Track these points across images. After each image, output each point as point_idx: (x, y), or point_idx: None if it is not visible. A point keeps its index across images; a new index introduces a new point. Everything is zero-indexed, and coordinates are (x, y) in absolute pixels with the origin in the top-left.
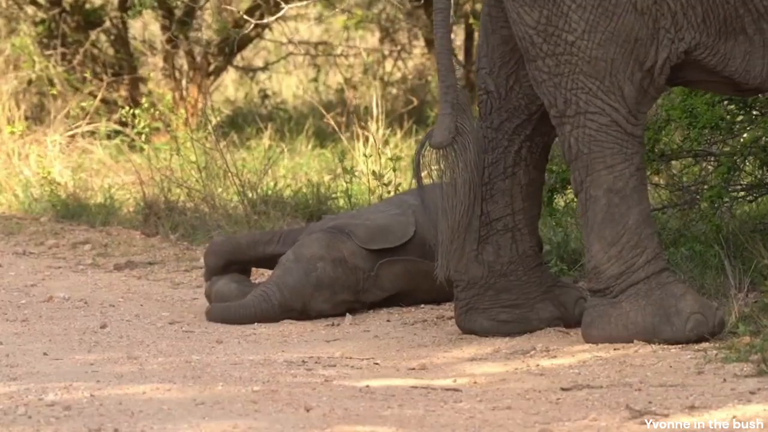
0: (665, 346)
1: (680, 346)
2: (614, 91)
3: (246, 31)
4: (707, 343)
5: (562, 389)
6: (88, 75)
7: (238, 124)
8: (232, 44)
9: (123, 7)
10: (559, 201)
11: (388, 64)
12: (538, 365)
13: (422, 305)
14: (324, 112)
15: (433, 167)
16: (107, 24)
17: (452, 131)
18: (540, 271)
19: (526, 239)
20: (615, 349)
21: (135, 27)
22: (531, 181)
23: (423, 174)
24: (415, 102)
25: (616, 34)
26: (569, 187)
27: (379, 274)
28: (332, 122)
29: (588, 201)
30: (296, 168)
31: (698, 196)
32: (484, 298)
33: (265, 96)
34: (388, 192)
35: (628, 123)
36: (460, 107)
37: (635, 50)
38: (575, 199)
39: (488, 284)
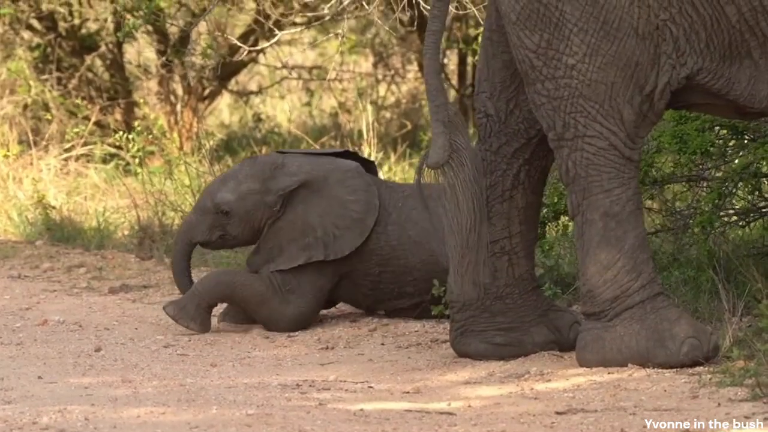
0: (660, 370)
1: (675, 370)
2: (613, 115)
3: (240, 57)
4: (702, 368)
5: (557, 413)
6: (79, 102)
7: (233, 147)
8: (217, 66)
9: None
10: (552, 231)
11: (382, 89)
12: (532, 389)
13: (416, 328)
14: (311, 142)
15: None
16: (102, 49)
17: (447, 149)
18: (535, 294)
19: (523, 263)
20: (609, 373)
21: (130, 52)
22: (528, 205)
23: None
24: (409, 126)
25: (617, 57)
26: (561, 218)
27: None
28: (316, 146)
29: (584, 224)
30: None
31: (691, 221)
32: (479, 321)
33: (259, 120)
34: None
35: (626, 147)
36: (452, 125)
37: (635, 74)
38: (568, 224)
39: (483, 306)
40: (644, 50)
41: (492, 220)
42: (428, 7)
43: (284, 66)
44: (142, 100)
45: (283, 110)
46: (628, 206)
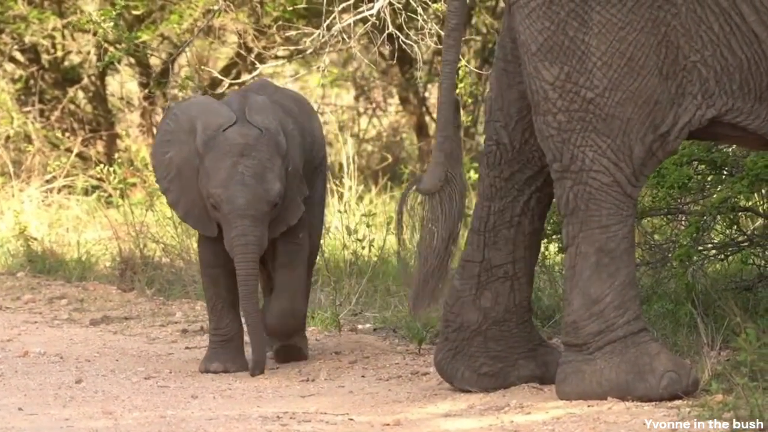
0: (639, 404)
1: (654, 403)
2: (623, 151)
3: (222, 89)
4: (681, 401)
5: None
6: (59, 135)
7: None
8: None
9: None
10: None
11: (363, 122)
12: (512, 421)
13: (396, 361)
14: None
15: (415, 212)
16: (85, 81)
17: (441, 180)
18: (530, 326)
19: (524, 289)
20: (589, 406)
21: (112, 84)
22: (534, 231)
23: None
24: (390, 159)
25: (636, 94)
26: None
27: None
28: None
29: (578, 256)
30: None
31: (670, 255)
32: (472, 343)
33: None
34: (362, 248)
35: (629, 184)
36: (453, 158)
37: (653, 113)
38: (548, 255)
39: (480, 330)
40: (665, 89)
41: (497, 244)
42: (408, 42)
43: None
44: (124, 132)
45: None
46: (623, 243)
